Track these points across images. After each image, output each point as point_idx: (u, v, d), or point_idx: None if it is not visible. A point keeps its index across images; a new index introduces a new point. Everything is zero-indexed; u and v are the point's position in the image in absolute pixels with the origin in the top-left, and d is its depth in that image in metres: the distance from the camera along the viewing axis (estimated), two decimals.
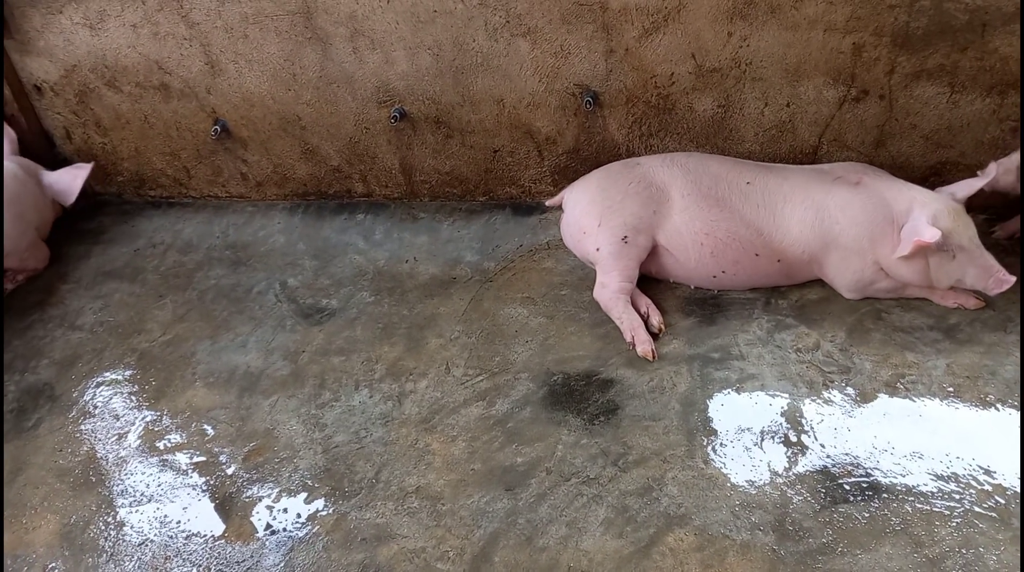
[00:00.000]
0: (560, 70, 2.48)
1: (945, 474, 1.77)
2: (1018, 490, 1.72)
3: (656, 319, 2.20)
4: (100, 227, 2.88)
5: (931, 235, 1.97)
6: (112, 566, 1.79)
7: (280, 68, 2.59)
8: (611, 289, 2.24)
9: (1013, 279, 1.99)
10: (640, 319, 2.20)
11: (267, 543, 1.80)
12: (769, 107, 2.45)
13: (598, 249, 2.28)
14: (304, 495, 1.89)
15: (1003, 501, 1.70)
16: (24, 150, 2.82)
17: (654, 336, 2.18)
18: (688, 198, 2.26)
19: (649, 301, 2.25)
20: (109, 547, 1.83)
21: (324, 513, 1.85)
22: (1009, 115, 2.33)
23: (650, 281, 2.38)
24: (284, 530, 1.82)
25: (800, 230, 2.18)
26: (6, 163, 2.56)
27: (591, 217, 2.33)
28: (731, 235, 2.22)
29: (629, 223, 2.26)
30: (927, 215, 2.03)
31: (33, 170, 2.65)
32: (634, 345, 2.15)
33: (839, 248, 2.16)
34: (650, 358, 2.12)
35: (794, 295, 2.28)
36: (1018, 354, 2.02)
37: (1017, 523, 1.66)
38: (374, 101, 2.62)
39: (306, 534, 1.81)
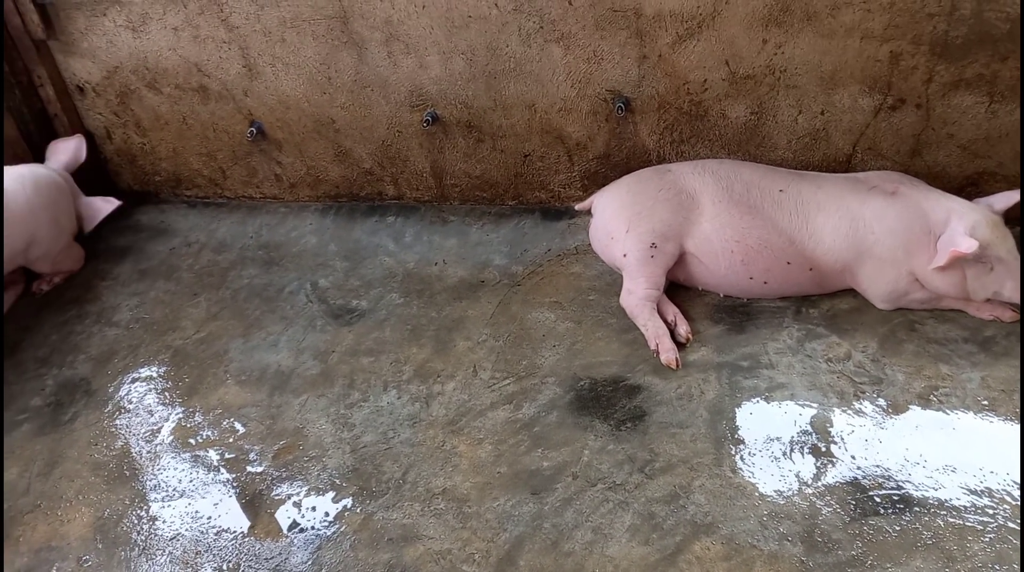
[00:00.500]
0: (592, 76, 2.48)
1: (979, 488, 1.74)
2: None
3: (684, 329, 2.19)
4: (137, 225, 2.94)
5: (968, 246, 1.94)
6: (144, 559, 1.83)
7: (316, 71, 2.63)
8: (637, 296, 2.24)
9: None
10: (665, 327, 2.19)
11: (295, 541, 1.82)
12: (803, 115, 2.44)
13: (625, 255, 2.28)
14: (332, 494, 1.91)
15: None
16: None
17: (681, 345, 2.17)
18: (719, 205, 2.25)
19: (677, 310, 2.24)
20: (141, 541, 1.87)
21: (351, 512, 1.87)
22: None
23: (679, 288, 2.37)
24: (312, 528, 1.85)
25: (833, 239, 2.16)
26: (49, 171, 2.63)
27: (619, 222, 2.33)
28: (763, 243, 2.20)
29: (658, 230, 2.25)
30: (965, 226, 2.00)
31: (74, 188, 2.73)
32: (658, 353, 2.14)
33: (873, 258, 2.14)
34: (673, 367, 2.11)
35: (825, 304, 2.25)
36: None
37: None
38: (407, 105, 2.65)
39: (333, 533, 1.83)
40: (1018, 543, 1.63)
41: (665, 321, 2.21)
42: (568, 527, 1.77)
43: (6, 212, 2.40)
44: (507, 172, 2.75)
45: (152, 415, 2.18)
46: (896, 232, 2.11)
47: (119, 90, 2.81)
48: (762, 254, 2.20)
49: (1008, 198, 2.08)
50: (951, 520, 1.68)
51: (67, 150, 2.74)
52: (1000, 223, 2.03)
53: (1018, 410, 1.90)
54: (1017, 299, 2.03)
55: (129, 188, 3.09)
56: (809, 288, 2.26)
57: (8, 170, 2.54)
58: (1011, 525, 1.66)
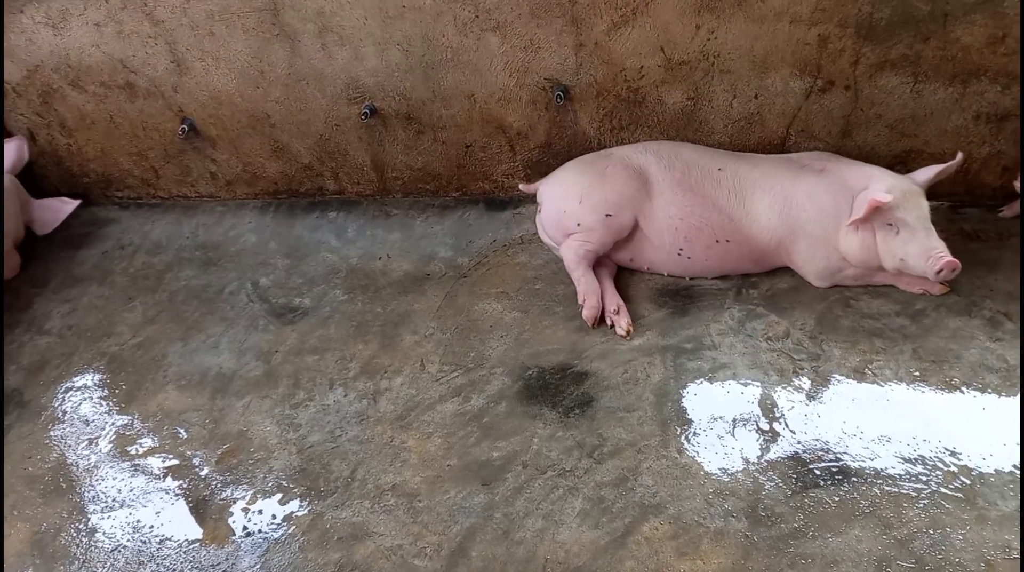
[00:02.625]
0: (530, 64, 2.48)
1: (912, 457, 1.80)
2: (983, 471, 1.75)
3: (624, 322, 2.20)
4: (67, 229, 2.83)
5: (883, 196, 2.00)
6: None
7: (248, 65, 2.57)
8: (576, 251, 2.28)
9: (953, 261, 1.98)
10: (597, 286, 2.25)
11: (243, 545, 1.79)
12: (737, 99, 2.47)
13: (579, 224, 2.28)
14: (279, 496, 1.88)
15: (968, 482, 1.74)
16: None
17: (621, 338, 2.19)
18: (663, 183, 2.28)
19: (621, 303, 2.25)
20: (81, 554, 1.81)
21: (300, 513, 1.84)
22: (971, 104, 2.37)
23: (623, 274, 2.39)
24: (259, 531, 1.81)
25: (768, 217, 2.21)
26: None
27: (571, 197, 2.32)
28: (704, 221, 2.24)
29: (611, 199, 2.27)
30: (882, 187, 2.07)
31: (18, 188, 2.63)
32: (582, 308, 2.21)
33: (806, 236, 2.19)
34: (590, 324, 2.19)
35: (765, 285, 2.30)
36: (983, 338, 2.06)
37: (982, 503, 1.69)
38: (344, 98, 2.61)
39: (282, 535, 1.80)
40: (951, 507, 1.69)
41: (606, 309, 2.22)
42: (519, 516, 1.78)
43: None
44: (449, 163, 2.74)
45: (88, 425, 2.11)
46: (826, 209, 2.17)
47: (41, 89, 2.70)
48: (703, 231, 2.24)
49: (928, 171, 2.15)
50: (887, 488, 1.74)
51: (9, 152, 2.62)
52: (918, 192, 2.10)
53: (947, 380, 1.97)
54: (920, 268, 2.04)
55: (56, 191, 2.96)
56: (748, 266, 2.31)
57: None
58: (943, 491, 1.72)
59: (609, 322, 2.21)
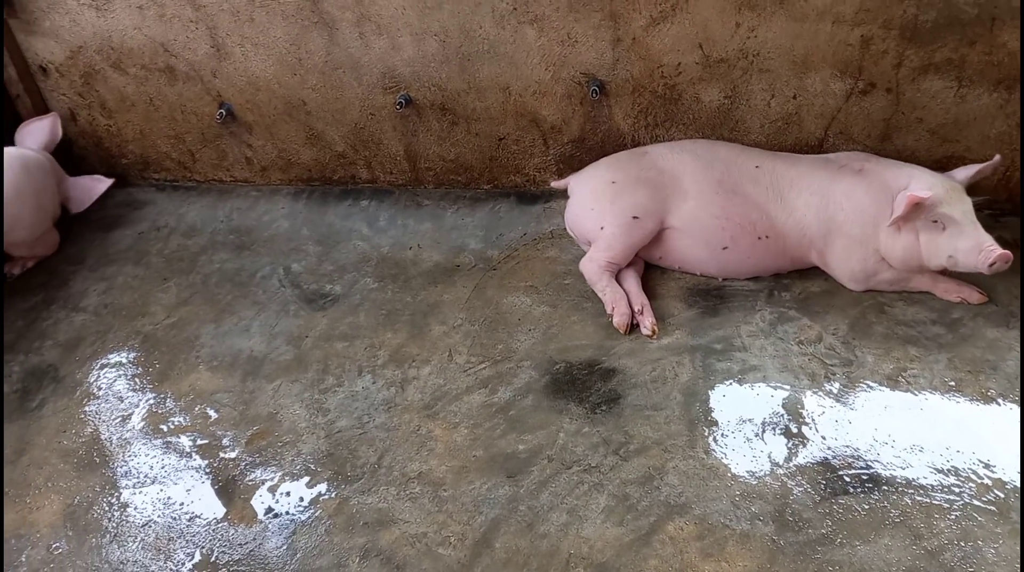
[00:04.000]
0: (567, 58, 2.47)
1: (945, 467, 1.78)
2: (1018, 484, 1.72)
3: (649, 321, 2.18)
4: (105, 210, 2.88)
5: (924, 193, 1.96)
6: (115, 546, 1.80)
7: (286, 52, 2.59)
8: (597, 263, 2.27)
9: (1006, 253, 1.93)
10: (622, 293, 2.23)
11: (270, 526, 1.81)
12: (776, 99, 2.45)
13: (603, 227, 2.27)
14: (307, 479, 1.90)
15: (1002, 495, 1.71)
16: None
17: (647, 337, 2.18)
18: (700, 183, 2.27)
19: (646, 302, 2.23)
20: (113, 527, 1.84)
21: (326, 497, 1.86)
22: (1016, 110, 2.32)
23: (653, 273, 2.38)
24: (286, 513, 1.83)
25: (805, 214, 2.20)
26: (36, 154, 2.57)
27: (601, 196, 2.31)
28: (744, 218, 2.22)
29: (639, 204, 2.26)
30: (922, 184, 2.05)
31: (59, 172, 2.68)
32: (612, 317, 2.20)
33: (843, 236, 2.17)
34: (622, 331, 2.16)
35: (797, 287, 2.28)
36: (1020, 349, 2.02)
37: (1016, 517, 1.66)
38: (380, 87, 2.62)
39: (308, 518, 1.82)
40: (983, 520, 1.67)
41: (631, 310, 2.21)
42: (544, 509, 1.78)
43: None
44: (482, 156, 2.74)
45: (122, 401, 2.15)
46: (864, 209, 2.14)
47: (83, 70, 2.74)
48: (747, 230, 2.22)
49: (968, 170, 2.11)
50: (918, 498, 1.72)
51: (42, 129, 2.67)
52: (959, 189, 2.07)
53: (984, 390, 1.94)
54: (971, 263, 1.99)
55: (95, 171, 3.01)
56: (785, 264, 2.28)
57: None
58: (976, 503, 1.70)
59: (634, 321, 2.20)
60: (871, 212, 2.13)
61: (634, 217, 2.24)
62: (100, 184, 2.69)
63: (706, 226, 2.25)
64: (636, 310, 2.21)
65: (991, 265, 1.95)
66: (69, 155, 2.96)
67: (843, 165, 2.25)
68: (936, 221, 2.03)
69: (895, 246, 2.10)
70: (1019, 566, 1.58)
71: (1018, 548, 1.61)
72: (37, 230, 2.54)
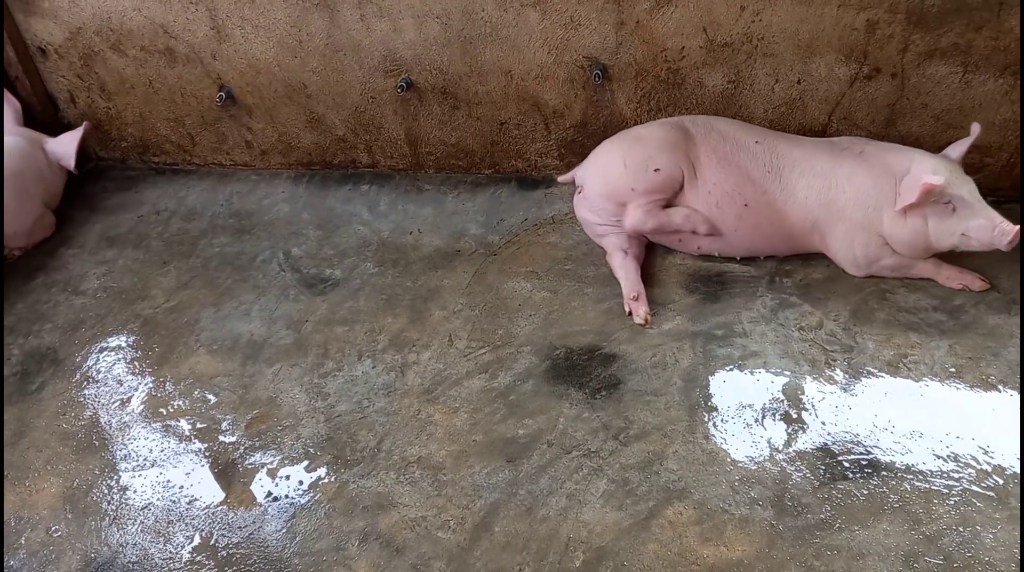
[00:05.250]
0: (570, 42, 2.45)
1: (944, 453, 1.78)
2: (1016, 471, 1.72)
3: (643, 310, 2.17)
4: (104, 193, 2.87)
5: (936, 178, 1.94)
6: (115, 529, 1.81)
7: (286, 34, 2.56)
8: (646, 209, 2.24)
9: (1017, 228, 1.92)
10: (689, 207, 2.23)
11: (269, 509, 1.82)
12: (780, 83, 2.43)
13: (633, 188, 2.24)
14: (306, 463, 1.90)
15: (1001, 481, 1.71)
16: (28, 114, 2.80)
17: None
18: (697, 148, 2.26)
19: (642, 290, 2.21)
20: (112, 510, 1.85)
21: (326, 481, 1.86)
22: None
23: (654, 259, 2.37)
24: (286, 497, 1.84)
25: (806, 196, 2.18)
26: (8, 138, 2.55)
27: (615, 164, 2.29)
28: (737, 190, 2.21)
29: (653, 155, 2.24)
30: (926, 168, 2.03)
31: (37, 140, 2.63)
32: (696, 230, 2.23)
33: (845, 220, 2.16)
34: (714, 233, 2.23)
35: (799, 274, 2.27)
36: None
37: (1015, 503, 1.66)
38: (381, 70, 2.60)
39: (308, 501, 1.82)
40: (982, 506, 1.67)
41: (624, 296, 2.21)
42: (543, 494, 1.78)
43: None
44: (483, 140, 2.72)
45: (121, 385, 2.15)
46: (867, 192, 2.13)
47: (82, 52, 2.72)
48: (735, 200, 2.21)
49: (960, 146, 2.10)
50: (917, 484, 1.72)
51: (13, 105, 2.63)
52: (959, 168, 2.06)
53: (984, 377, 1.93)
54: (985, 240, 1.98)
55: (95, 154, 3.01)
56: (779, 245, 2.27)
57: None
58: (975, 489, 1.70)
59: (627, 309, 2.20)
60: (874, 195, 2.12)
61: (655, 170, 2.22)
62: (76, 134, 2.63)
63: (698, 191, 2.24)
64: (631, 297, 2.20)
65: (1009, 242, 1.94)
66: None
67: (844, 148, 2.24)
68: (947, 202, 2.01)
69: (902, 231, 2.09)
70: (1018, 551, 1.58)
71: (1016, 533, 1.61)
72: (29, 218, 2.53)
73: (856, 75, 2.37)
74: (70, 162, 2.62)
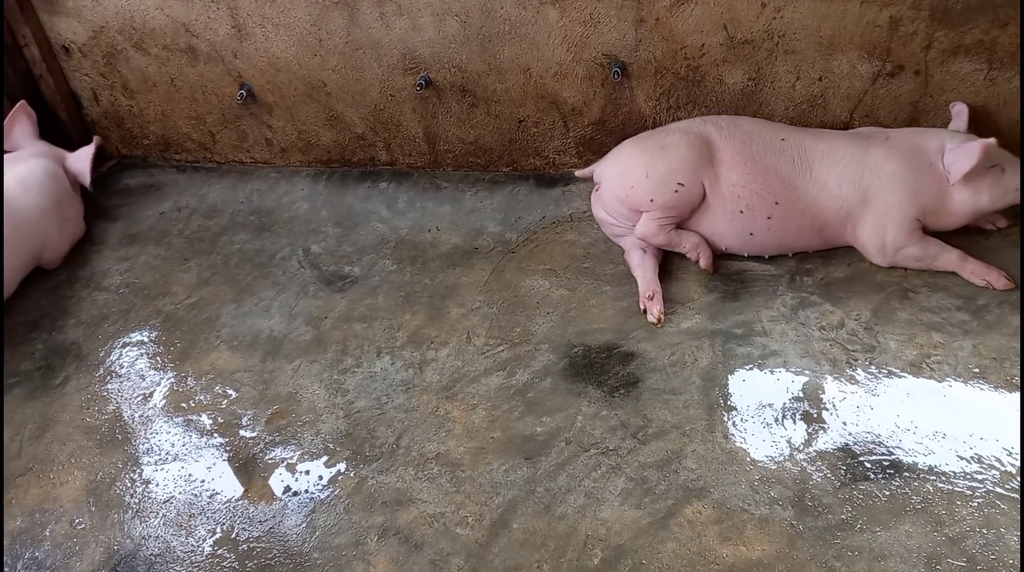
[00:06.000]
0: (589, 39, 2.45)
1: (968, 455, 1.76)
2: None
3: (656, 309, 2.17)
4: (126, 190, 2.90)
5: (988, 140, 2.06)
6: (138, 522, 1.83)
7: (306, 33, 2.58)
8: (659, 224, 2.24)
9: None
10: (700, 236, 2.26)
11: (289, 504, 1.83)
12: (801, 81, 2.41)
13: (652, 200, 2.23)
14: (325, 458, 1.92)
15: None
16: (51, 112, 2.84)
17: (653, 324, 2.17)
18: (723, 151, 2.24)
19: (658, 289, 2.21)
20: (135, 503, 1.87)
21: (345, 476, 1.87)
22: None
23: (673, 257, 2.35)
24: (305, 492, 1.85)
25: (839, 185, 2.18)
26: (40, 161, 2.54)
27: (636, 170, 2.27)
28: (766, 188, 2.20)
29: (677, 168, 2.21)
30: (959, 139, 2.15)
31: (61, 158, 2.65)
32: (699, 261, 2.26)
33: (879, 203, 2.16)
34: (711, 271, 2.26)
35: (819, 273, 2.25)
36: None
37: None
38: (400, 68, 2.61)
39: (327, 496, 1.83)
40: (1006, 508, 1.65)
41: (640, 295, 2.20)
42: (561, 491, 1.78)
43: (12, 227, 2.33)
44: (501, 138, 2.72)
45: (144, 380, 2.17)
46: (900, 174, 2.16)
47: (105, 50, 2.75)
48: (764, 199, 2.20)
49: (960, 121, 2.26)
50: (940, 485, 1.70)
51: (20, 122, 2.61)
52: None
53: (1009, 378, 1.91)
54: None
55: (117, 151, 3.04)
56: (810, 238, 2.25)
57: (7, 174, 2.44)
58: (999, 491, 1.68)
59: (642, 307, 2.19)
60: (909, 177, 2.15)
61: (679, 184, 2.21)
62: (87, 152, 2.63)
63: (724, 195, 2.22)
64: (646, 295, 2.20)
65: None
66: (91, 136, 2.98)
67: (868, 136, 2.26)
68: (995, 165, 2.13)
69: (965, 198, 2.15)
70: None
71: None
72: (67, 241, 2.57)
73: (879, 72, 2.34)
74: (86, 179, 2.62)
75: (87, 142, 2.75)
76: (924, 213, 2.17)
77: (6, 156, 2.54)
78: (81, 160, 2.63)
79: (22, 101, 2.66)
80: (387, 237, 2.58)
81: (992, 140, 2.06)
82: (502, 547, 1.69)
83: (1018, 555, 1.56)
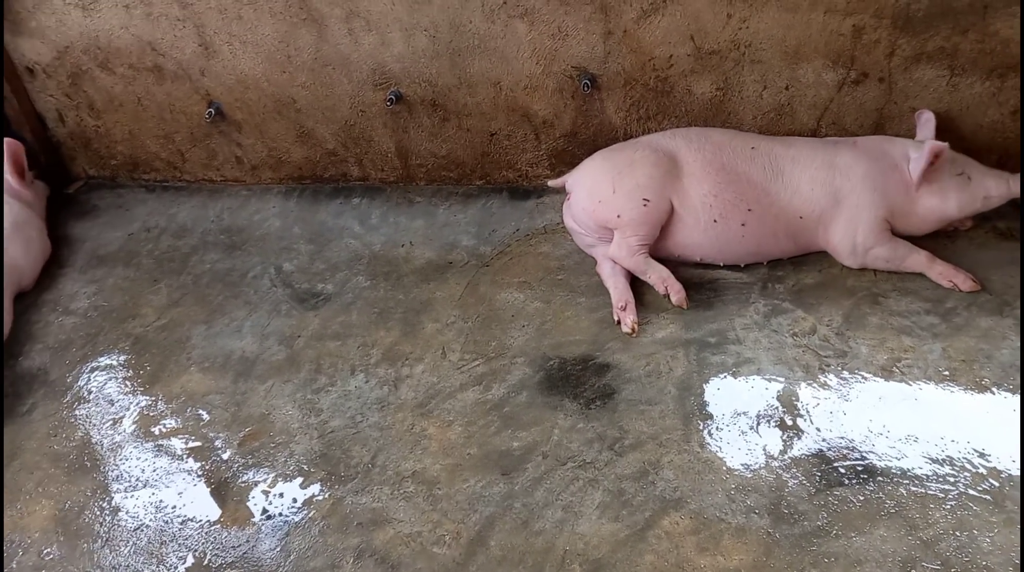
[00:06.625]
0: (558, 52, 2.46)
1: (940, 457, 1.77)
2: (1012, 473, 1.72)
3: (631, 319, 2.17)
4: (94, 211, 2.86)
5: (941, 143, 2.10)
6: (108, 551, 1.79)
7: (275, 50, 2.57)
8: (630, 247, 2.24)
9: None
10: (668, 270, 2.24)
11: (263, 528, 1.80)
12: (768, 90, 2.43)
13: (619, 215, 2.24)
14: (300, 480, 1.89)
15: (997, 484, 1.70)
16: (16, 134, 2.80)
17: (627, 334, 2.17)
18: (694, 163, 2.26)
19: (630, 299, 2.21)
20: (104, 532, 1.83)
21: (320, 498, 1.85)
22: (1009, 98, 2.31)
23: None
24: (280, 515, 1.82)
25: (811, 188, 2.22)
26: (16, 205, 2.54)
27: (603, 185, 2.28)
28: (738, 196, 2.22)
29: (643, 184, 2.23)
30: (920, 146, 2.19)
31: (38, 198, 2.67)
32: (668, 295, 2.21)
33: (850, 206, 2.20)
34: (684, 306, 2.19)
35: (791, 279, 2.27)
36: (1015, 338, 2.01)
37: (1011, 506, 1.66)
38: (370, 83, 2.60)
39: (302, 519, 1.81)
40: (978, 510, 1.66)
41: (618, 306, 2.20)
42: (539, 506, 1.77)
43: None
44: (474, 151, 2.72)
45: (113, 405, 2.13)
46: (870, 176, 2.20)
47: (70, 71, 2.72)
48: (737, 207, 2.22)
49: (927, 129, 2.30)
50: (913, 489, 1.71)
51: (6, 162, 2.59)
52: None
53: (978, 380, 1.93)
54: (1004, 194, 2.17)
55: (84, 173, 3.00)
56: (785, 244, 2.27)
57: None
58: (971, 493, 1.69)
59: (616, 318, 2.19)
60: (876, 178, 2.20)
61: (644, 199, 2.22)
62: (38, 185, 2.69)
63: (695, 206, 2.24)
64: (620, 306, 2.20)
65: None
66: (58, 157, 2.95)
67: (837, 142, 2.32)
68: (961, 173, 2.18)
69: (932, 203, 2.20)
70: (1016, 555, 1.57)
71: (1013, 537, 1.60)
72: (37, 270, 2.56)
73: (844, 80, 2.38)
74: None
75: (53, 164, 2.71)
76: (892, 215, 2.22)
77: None
78: (39, 196, 2.63)
79: (7, 139, 2.63)
80: (360, 253, 2.56)
81: (943, 144, 2.10)
82: (480, 565, 1.67)
83: (990, 556, 1.58)
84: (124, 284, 2.53)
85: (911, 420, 1.85)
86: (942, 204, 2.19)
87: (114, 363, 2.25)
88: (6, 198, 2.53)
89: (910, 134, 2.42)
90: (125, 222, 2.80)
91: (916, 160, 2.17)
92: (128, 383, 2.19)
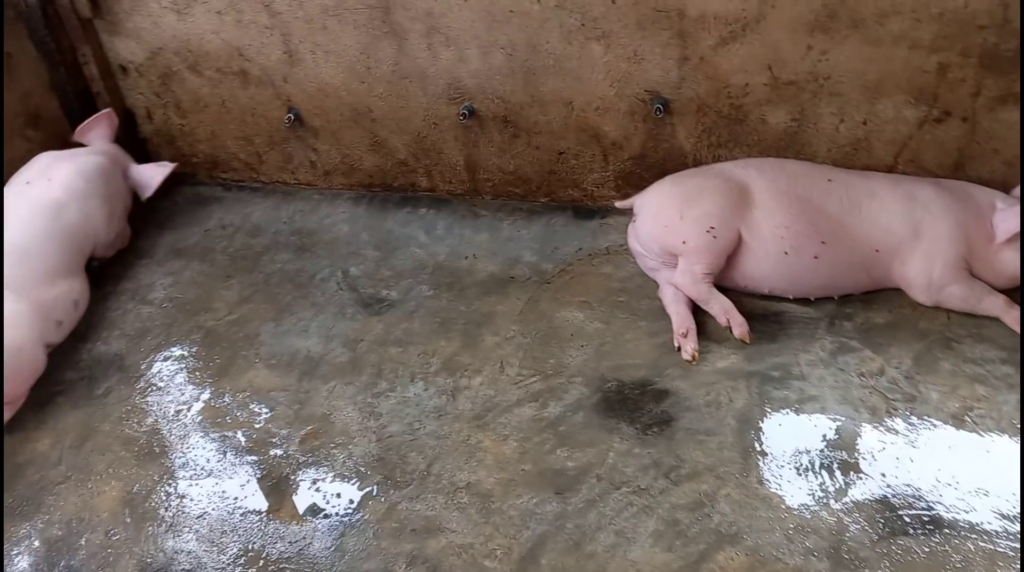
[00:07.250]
0: (632, 75, 2.47)
1: (1011, 514, 1.71)
2: None
3: (691, 346, 2.15)
4: (174, 206, 2.97)
5: None
6: (171, 536, 1.85)
7: (355, 60, 2.64)
8: (694, 276, 2.21)
9: None
10: (730, 302, 2.20)
11: (319, 526, 1.84)
12: (845, 123, 2.40)
13: (685, 242, 2.24)
14: (357, 482, 1.93)
15: None
16: None
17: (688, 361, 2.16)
18: (766, 194, 2.24)
19: (692, 326, 2.19)
20: (169, 517, 1.90)
21: (375, 501, 1.88)
22: None
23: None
24: (336, 514, 1.86)
25: (889, 220, 2.19)
26: (94, 157, 2.62)
27: (671, 210, 2.28)
28: (812, 227, 2.19)
29: (711, 213, 2.22)
30: (1013, 202, 2.16)
31: (122, 161, 2.73)
32: (729, 328, 2.17)
33: (930, 237, 2.16)
34: (747, 341, 2.15)
35: (859, 317, 2.22)
36: None
37: None
38: (444, 97, 2.65)
39: (357, 520, 1.84)
40: None
41: (679, 333, 2.18)
42: (591, 528, 1.77)
43: (64, 220, 2.42)
44: (541, 169, 2.75)
45: (182, 394, 2.21)
46: (952, 210, 2.18)
47: (161, 71, 2.84)
48: (811, 239, 2.19)
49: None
50: (981, 544, 1.66)
51: (100, 125, 2.73)
52: None
53: None
54: None
55: None
56: (859, 276, 2.23)
57: (54, 167, 2.52)
58: None
59: (676, 344, 2.18)
60: (960, 214, 2.17)
61: (711, 227, 2.20)
62: (163, 169, 2.73)
63: (766, 237, 2.21)
64: (680, 333, 2.18)
65: None
66: (143, 152, 3.07)
67: (918, 179, 2.31)
68: None
69: (1004, 257, 2.15)
70: None
71: None
72: (112, 232, 2.63)
73: (925, 117, 2.33)
74: (147, 192, 2.71)
75: (139, 159, 2.83)
76: (972, 256, 2.16)
77: (75, 149, 2.65)
78: (148, 176, 2.72)
79: (108, 108, 2.79)
80: (425, 262, 2.61)
81: None
82: None
83: None
84: (199, 278, 2.62)
85: (982, 473, 1.80)
86: (1013, 258, 2.13)
87: (186, 354, 2.34)
88: (107, 168, 2.64)
89: (992, 175, 2.36)
90: (202, 218, 2.90)
91: (1009, 215, 2.12)
92: (197, 374, 2.27)
